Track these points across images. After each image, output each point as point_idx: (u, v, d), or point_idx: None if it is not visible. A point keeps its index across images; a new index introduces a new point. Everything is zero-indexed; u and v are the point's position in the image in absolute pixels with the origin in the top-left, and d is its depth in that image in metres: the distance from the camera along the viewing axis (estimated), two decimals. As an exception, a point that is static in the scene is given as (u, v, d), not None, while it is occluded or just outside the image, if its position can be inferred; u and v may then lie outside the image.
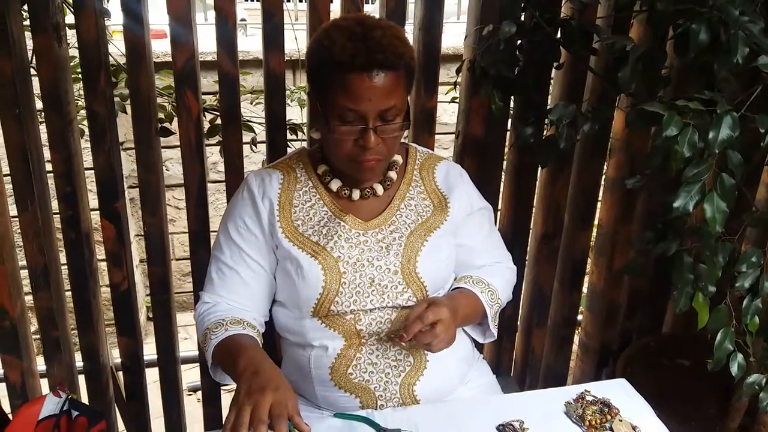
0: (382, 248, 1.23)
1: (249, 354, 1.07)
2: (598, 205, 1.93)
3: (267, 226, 1.24)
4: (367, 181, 1.25)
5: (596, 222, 1.98)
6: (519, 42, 1.60)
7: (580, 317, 2.12)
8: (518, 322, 2.07)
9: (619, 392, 1.17)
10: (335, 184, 1.26)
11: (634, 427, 1.09)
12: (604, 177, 1.92)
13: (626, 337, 2.05)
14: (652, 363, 1.87)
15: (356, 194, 1.26)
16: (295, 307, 1.25)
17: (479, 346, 1.48)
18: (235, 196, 1.31)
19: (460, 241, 1.33)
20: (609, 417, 1.08)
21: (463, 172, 1.38)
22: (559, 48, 1.56)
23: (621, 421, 1.08)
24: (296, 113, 2.20)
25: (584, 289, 2.06)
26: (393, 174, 1.29)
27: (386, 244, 1.24)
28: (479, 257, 1.37)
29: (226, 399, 1.97)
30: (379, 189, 1.27)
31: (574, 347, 2.16)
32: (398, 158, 1.32)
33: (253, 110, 1.95)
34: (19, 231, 1.60)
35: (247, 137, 1.84)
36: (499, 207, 1.90)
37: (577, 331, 2.15)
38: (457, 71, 1.67)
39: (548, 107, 1.64)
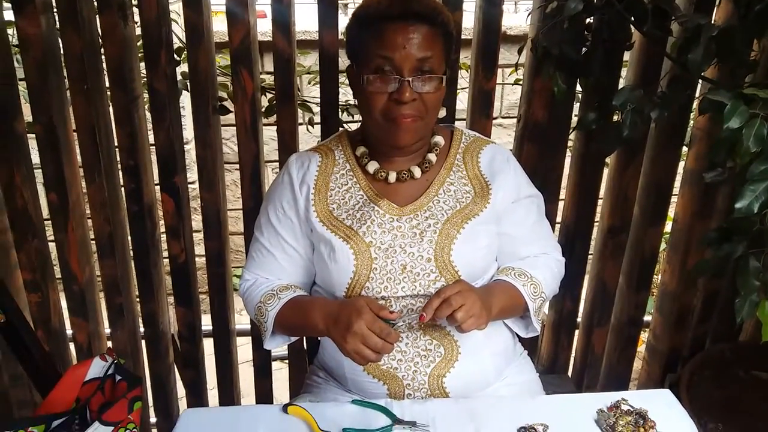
0: (415, 234, 1.20)
1: (316, 308, 1.15)
2: (673, 198, 1.78)
3: (302, 212, 1.24)
4: (403, 145, 1.18)
5: (671, 217, 1.83)
6: (587, 20, 1.49)
7: (647, 318, 1.97)
8: (578, 319, 1.96)
9: (660, 403, 1.07)
10: (372, 167, 1.24)
11: (670, 444, 0.99)
12: (682, 169, 1.77)
13: (698, 343, 1.89)
14: (724, 372, 1.72)
15: (393, 176, 1.23)
16: (329, 291, 1.25)
17: (526, 342, 1.41)
18: (276, 178, 1.32)
19: (504, 230, 1.27)
20: (643, 430, 0.99)
21: (510, 158, 1.31)
22: (630, 27, 1.44)
23: (655, 435, 0.99)
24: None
25: (653, 289, 1.92)
26: (432, 156, 1.25)
27: (420, 231, 1.20)
28: (524, 248, 1.30)
29: (276, 374, 2.03)
30: (417, 171, 1.24)
31: (641, 349, 2.03)
32: (440, 140, 1.27)
33: (313, 90, 1.94)
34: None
35: (305, 117, 1.85)
36: (562, 197, 1.80)
37: (644, 332, 2.02)
38: (519, 51, 1.59)
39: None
